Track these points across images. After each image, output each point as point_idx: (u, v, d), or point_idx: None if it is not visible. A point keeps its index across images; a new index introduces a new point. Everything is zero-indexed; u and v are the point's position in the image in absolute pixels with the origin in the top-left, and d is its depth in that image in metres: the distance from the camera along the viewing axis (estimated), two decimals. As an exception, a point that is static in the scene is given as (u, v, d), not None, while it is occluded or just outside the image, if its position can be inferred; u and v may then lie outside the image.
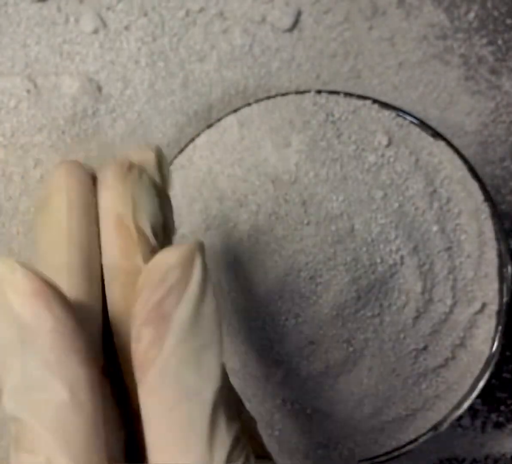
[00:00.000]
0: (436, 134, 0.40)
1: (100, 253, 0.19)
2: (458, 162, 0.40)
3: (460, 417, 0.42)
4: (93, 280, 0.19)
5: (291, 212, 0.38)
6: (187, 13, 0.45)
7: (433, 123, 0.41)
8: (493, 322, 0.39)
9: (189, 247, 0.17)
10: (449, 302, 0.39)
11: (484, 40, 0.46)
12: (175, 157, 0.41)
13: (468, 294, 0.39)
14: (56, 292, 0.16)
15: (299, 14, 0.45)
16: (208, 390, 0.16)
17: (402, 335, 0.39)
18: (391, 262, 0.38)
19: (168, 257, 0.17)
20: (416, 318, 0.39)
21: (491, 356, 0.39)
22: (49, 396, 0.15)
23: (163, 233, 0.20)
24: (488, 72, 0.46)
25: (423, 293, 0.38)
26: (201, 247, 0.17)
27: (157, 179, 0.21)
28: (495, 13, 0.46)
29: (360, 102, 0.40)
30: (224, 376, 0.17)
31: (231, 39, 0.45)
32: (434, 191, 0.39)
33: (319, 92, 0.40)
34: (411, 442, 0.40)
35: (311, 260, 0.37)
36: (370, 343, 0.38)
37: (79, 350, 0.16)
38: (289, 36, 0.46)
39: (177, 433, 0.16)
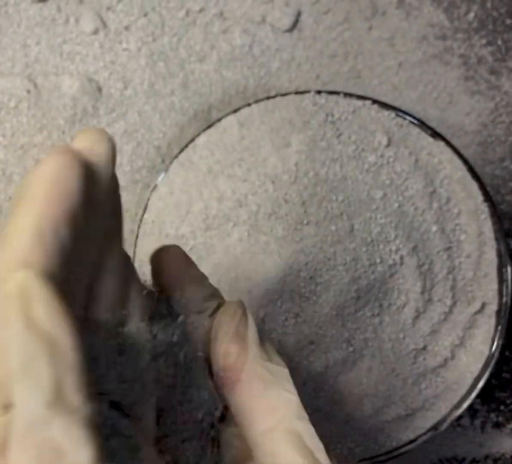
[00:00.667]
0: (436, 134, 0.40)
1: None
2: (458, 162, 0.40)
3: (460, 417, 0.42)
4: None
5: (291, 212, 0.38)
6: (187, 13, 0.45)
7: (432, 123, 0.41)
8: (492, 322, 0.39)
9: (238, 301, 0.26)
10: (448, 302, 0.39)
11: (484, 41, 0.46)
12: (175, 157, 0.41)
13: (468, 294, 0.39)
14: (71, 312, 0.17)
15: (299, 14, 0.46)
16: (285, 372, 0.24)
17: (401, 335, 0.39)
18: (390, 262, 0.38)
19: (231, 307, 0.26)
20: (416, 318, 0.39)
21: (490, 356, 0.39)
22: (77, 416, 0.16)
23: None
24: (487, 72, 0.46)
25: (422, 293, 0.38)
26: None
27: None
28: (495, 14, 0.46)
29: (359, 102, 0.40)
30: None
31: (231, 39, 0.45)
32: (434, 191, 0.39)
33: (319, 92, 0.40)
34: (411, 442, 0.40)
35: (311, 260, 0.37)
36: (369, 343, 0.38)
37: (82, 368, 0.17)
38: (289, 36, 0.46)
39: (272, 403, 0.23)
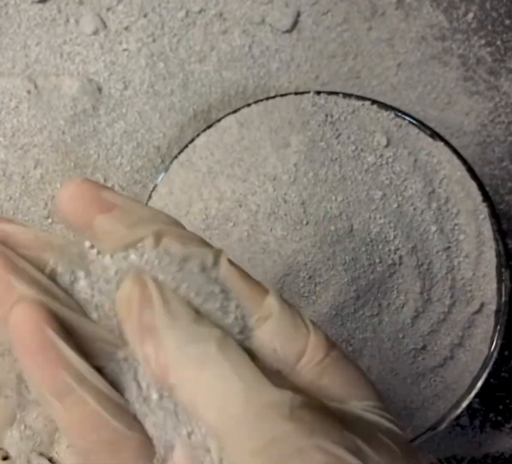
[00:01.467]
0: (435, 135, 0.40)
1: None
2: (457, 162, 0.40)
3: (459, 417, 0.43)
4: None
5: (290, 212, 0.38)
6: (187, 14, 0.45)
7: (432, 124, 0.41)
8: (491, 321, 0.40)
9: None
10: (447, 302, 0.39)
11: (483, 41, 0.47)
12: (175, 157, 0.41)
13: (467, 294, 0.39)
14: None
15: (298, 15, 0.46)
16: (212, 341, 0.20)
17: (401, 335, 0.39)
18: (390, 262, 0.38)
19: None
20: (415, 317, 0.39)
21: (489, 356, 0.39)
22: None
23: None
24: (486, 72, 0.47)
25: (421, 293, 0.39)
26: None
27: None
28: (494, 14, 0.47)
29: (359, 103, 0.40)
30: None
31: (230, 39, 0.45)
32: (433, 191, 0.39)
33: (318, 92, 0.40)
34: (410, 441, 0.40)
35: (310, 260, 0.38)
36: (369, 342, 0.39)
37: None
38: (289, 37, 0.46)
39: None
